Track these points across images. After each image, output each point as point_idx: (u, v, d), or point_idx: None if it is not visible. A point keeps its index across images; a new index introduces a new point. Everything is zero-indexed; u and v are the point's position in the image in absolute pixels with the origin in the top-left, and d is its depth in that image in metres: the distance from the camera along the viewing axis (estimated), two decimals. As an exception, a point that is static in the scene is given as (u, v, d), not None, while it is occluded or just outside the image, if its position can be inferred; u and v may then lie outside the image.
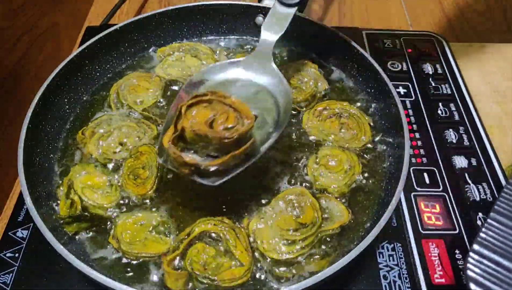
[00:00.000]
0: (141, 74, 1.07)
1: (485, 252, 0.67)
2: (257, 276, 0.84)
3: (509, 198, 0.70)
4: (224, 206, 0.91)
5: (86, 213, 0.87)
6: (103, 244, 0.87)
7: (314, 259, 0.84)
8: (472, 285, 0.64)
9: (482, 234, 0.68)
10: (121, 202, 0.91)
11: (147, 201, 0.90)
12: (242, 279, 0.82)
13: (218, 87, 0.92)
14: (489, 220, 0.69)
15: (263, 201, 0.91)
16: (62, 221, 0.86)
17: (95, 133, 0.98)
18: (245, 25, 1.20)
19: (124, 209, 0.90)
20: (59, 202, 0.89)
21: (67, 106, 1.06)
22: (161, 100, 1.04)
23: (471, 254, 0.66)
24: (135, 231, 0.86)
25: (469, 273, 0.65)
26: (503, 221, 0.68)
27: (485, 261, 0.66)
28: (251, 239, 0.86)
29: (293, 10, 0.93)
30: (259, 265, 0.85)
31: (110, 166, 0.95)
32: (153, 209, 0.89)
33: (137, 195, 0.89)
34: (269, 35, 0.93)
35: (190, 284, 0.82)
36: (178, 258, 0.84)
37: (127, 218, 0.87)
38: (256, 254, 0.85)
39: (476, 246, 0.67)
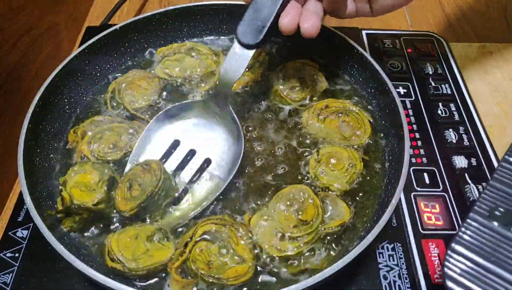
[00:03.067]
0: (141, 74, 1.07)
1: (464, 251, 0.67)
2: (258, 272, 0.84)
3: (489, 199, 0.71)
4: (224, 204, 0.91)
5: (74, 207, 0.86)
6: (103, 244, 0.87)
7: (314, 257, 0.84)
8: (449, 283, 0.64)
9: (460, 233, 0.69)
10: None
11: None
12: (246, 276, 0.82)
13: (179, 126, 0.96)
14: (468, 220, 0.70)
15: (265, 199, 0.91)
16: (59, 219, 0.86)
17: (86, 132, 0.98)
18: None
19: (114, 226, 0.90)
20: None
21: (67, 106, 1.06)
22: (159, 100, 1.04)
23: (449, 252, 0.67)
24: (133, 245, 0.85)
25: (447, 270, 0.66)
26: (482, 221, 0.69)
27: (463, 260, 0.67)
28: (252, 236, 0.86)
29: (252, 52, 0.92)
30: (260, 261, 0.85)
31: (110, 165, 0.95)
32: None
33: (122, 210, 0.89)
34: (228, 77, 0.93)
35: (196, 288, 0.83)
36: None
37: (119, 235, 0.86)
38: (257, 250, 0.85)
39: (454, 245, 0.68)
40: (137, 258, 0.83)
